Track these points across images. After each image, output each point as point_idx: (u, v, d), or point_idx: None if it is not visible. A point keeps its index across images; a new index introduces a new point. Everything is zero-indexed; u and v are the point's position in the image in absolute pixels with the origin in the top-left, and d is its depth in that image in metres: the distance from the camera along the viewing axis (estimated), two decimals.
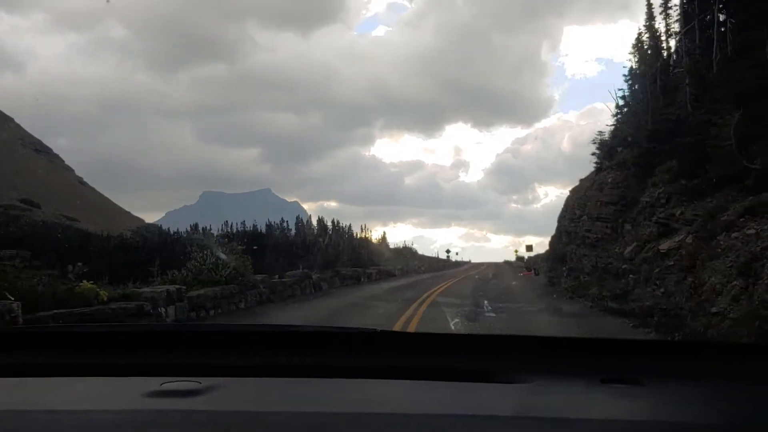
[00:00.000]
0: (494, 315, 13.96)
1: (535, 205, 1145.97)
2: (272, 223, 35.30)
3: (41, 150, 60.99)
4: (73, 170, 70.76)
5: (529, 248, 59.84)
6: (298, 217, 41.92)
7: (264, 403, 1.21)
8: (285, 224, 36.36)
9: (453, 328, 11.37)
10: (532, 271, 36.05)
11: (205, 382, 1.23)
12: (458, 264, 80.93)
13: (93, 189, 66.56)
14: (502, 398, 1.23)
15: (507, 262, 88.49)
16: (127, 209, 66.07)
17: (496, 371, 1.35)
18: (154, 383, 1.22)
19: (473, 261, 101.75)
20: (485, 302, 17.00)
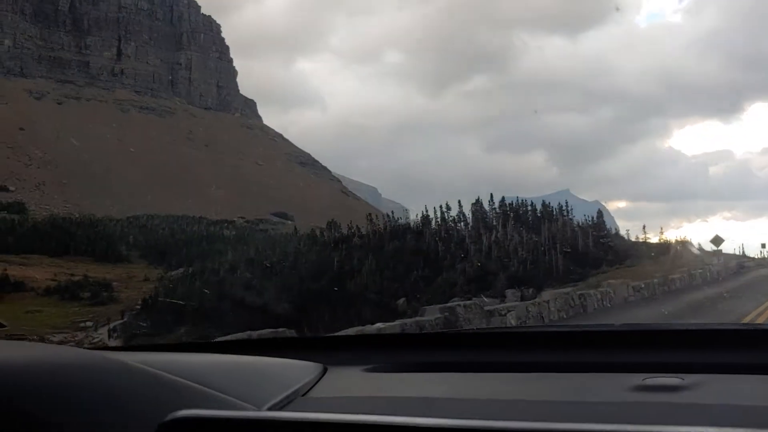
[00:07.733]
0: None
1: None
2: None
3: (306, 163, 64.55)
4: (339, 181, 74.02)
5: None
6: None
7: (745, 399, 1.18)
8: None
9: None
10: None
11: (688, 378, 1.24)
12: None
13: (360, 200, 68.43)
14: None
15: None
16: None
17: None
18: (636, 379, 1.26)
19: None
20: None
